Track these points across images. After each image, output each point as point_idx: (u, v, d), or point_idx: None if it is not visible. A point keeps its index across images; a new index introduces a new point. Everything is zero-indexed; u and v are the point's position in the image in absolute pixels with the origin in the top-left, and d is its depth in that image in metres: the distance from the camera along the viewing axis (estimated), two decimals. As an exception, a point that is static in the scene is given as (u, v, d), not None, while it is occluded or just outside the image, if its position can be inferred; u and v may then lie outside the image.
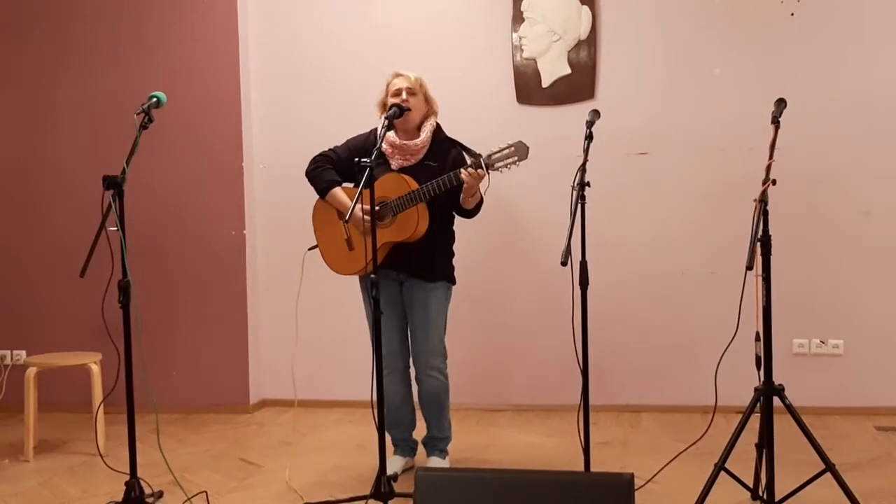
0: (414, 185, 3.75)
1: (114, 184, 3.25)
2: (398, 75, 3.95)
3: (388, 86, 3.96)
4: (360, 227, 3.73)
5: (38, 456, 4.56)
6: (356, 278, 4.04)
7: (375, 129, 4.01)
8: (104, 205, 3.25)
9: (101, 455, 4.23)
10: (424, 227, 3.78)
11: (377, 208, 3.75)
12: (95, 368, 4.59)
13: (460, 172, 3.65)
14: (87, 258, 3.17)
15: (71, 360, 4.66)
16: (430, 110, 3.98)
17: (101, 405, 4.38)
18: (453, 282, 4.07)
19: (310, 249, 4.03)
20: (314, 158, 4.01)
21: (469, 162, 3.69)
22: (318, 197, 3.99)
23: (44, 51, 5.55)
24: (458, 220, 4.04)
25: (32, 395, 4.57)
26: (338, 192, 3.91)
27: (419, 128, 3.94)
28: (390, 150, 3.91)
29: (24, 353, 5.51)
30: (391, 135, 3.89)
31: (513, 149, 3.62)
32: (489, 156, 3.64)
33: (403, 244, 3.81)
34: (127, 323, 3.32)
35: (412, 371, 4.08)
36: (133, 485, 3.38)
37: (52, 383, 5.04)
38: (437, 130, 3.97)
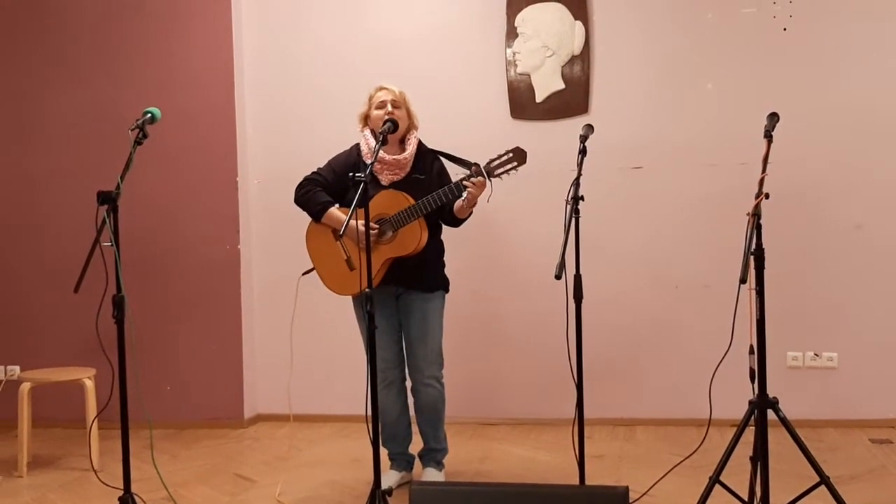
0: (410, 200, 3.77)
1: (108, 199, 3.23)
2: (382, 88, 3.98)
3: (370, 99, 3.99)
4: (358, 242, 3.72)
5: (32, 471, 4.55)
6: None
7: (356, 145, 4.03)
8: (98, 220, 3.25)
9: (94, 470, 4.21)
10: (425, 241, 3.80)
11: (377, 225, 3.77)
12: (89, 384, 4.58)
13: (463, 183, 3.66)
14: (82, 273, 3.16)
15: (65, 376, 4.65)
16: (411, 124, 4.01)
17: (95, 420, 4.37)
18: (448, 290, 4.09)
19: (304, 274, 4.02)
20: (300, 184, 4.00)
21: (471, 170, 3.69)
22: (310, 220, 4.00)
23: (38, 64, 5.55)
24: (445, 229, 4.06)
25: (26, 411, 4.56)
26: (334, 211, 3.91)
27: (402, 141, 3.97)
28: (378, 166, 3.90)
29: (17, 368, 5.50)
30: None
31: (511, 155, 3.66)
32: (489, 163, 3.67)
33: (402, 258, 3.81)
34: (121, 338, 3.31)
35: (408, 383, 4.09)
36: (127, 500, 3.35)
37: (46, 399, 5.03)
38: (420, 143, 4.00)
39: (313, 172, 4.04)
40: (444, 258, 4.10)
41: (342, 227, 3.30)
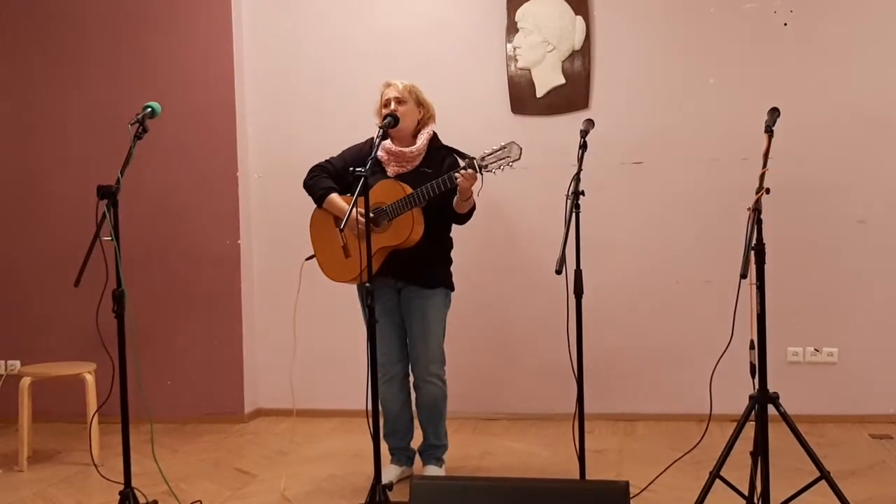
0: (409, 190, 3.77)
1: (108, 193, 3.24)
2: (388, 85, 3.98)
3: (381, 95, 3.99)
4: (356, 231, 3.73)
5: (33, 466, 4.55)
6: (353, 287, 4.06)
7: (372, 139, 4.03)
8: (98, 214, 3.25)
9: (95, 465, 4.22)
10: (420, 232, 3.79)
11: (372, 214, 3.77)
12: (90, 378, 4.58)
13: (454, 174, 3.66)
14: (82, 268, 3.17)
15: (65, 370, 4.66)
16: (425, 115, 4.00)
17: (96, 415, 4.37)
18: (452, 288, 4.08)
19: (307, 259, 4.03)
20: (311, 169, 4.04)
21: (463, 164, 3.70)
22: (315, 206, 4.01)
23: (39, 61, 5.55)
24: (454, 227, 4.04)
25: (27, 405, 4.56)
26: (335, 197, 3.92)
27: (415, 134, 3.97)
28: (386, 157, 3.92)
29: (18, 362, 5.50)
30: (387, 142, 3.90)
31: (505, 149, 3.64)
32: (482, 157, 3.66)
33: (400, 250, 3.81)
34: (121, 333, 3.31)
35: (411, 378, 4.09)
36: (128, 494, 3.36)
37: (47, 393, 5.03)
38: (434, 138, 3.99)
39: (325, 160, 4.06)
40: (452, 256, 4.10)
41: (344, 217, 3.31)
